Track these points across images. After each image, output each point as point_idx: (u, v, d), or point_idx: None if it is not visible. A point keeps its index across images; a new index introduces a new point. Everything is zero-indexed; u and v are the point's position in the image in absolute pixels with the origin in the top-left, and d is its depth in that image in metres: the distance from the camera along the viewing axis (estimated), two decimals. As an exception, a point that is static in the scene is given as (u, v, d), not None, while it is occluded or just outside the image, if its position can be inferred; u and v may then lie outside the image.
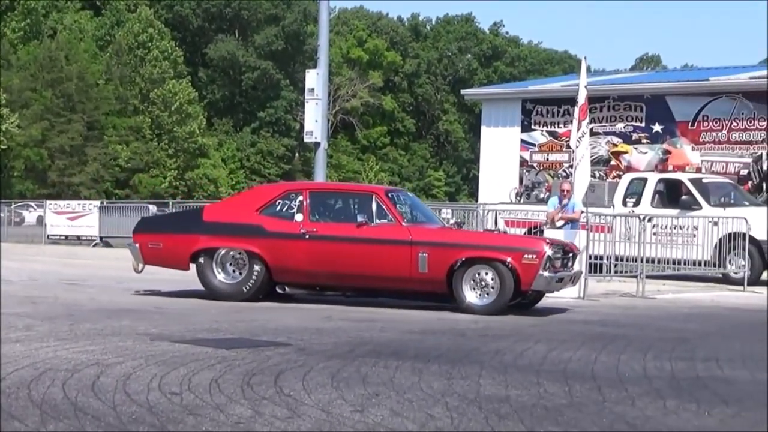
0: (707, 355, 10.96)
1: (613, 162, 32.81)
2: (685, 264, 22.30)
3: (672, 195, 24.72)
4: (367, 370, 9.14)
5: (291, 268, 15.69)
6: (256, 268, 15.78)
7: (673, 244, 22.72)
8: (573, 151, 22.38)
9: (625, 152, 32.70)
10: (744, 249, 22.03)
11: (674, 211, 23.85)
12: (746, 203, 24.85)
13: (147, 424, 6.74)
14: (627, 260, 21.05)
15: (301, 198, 15.81)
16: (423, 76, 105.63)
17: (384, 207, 15.39)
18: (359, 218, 15.30)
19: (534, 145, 34.50)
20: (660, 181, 25.26)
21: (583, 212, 19.45)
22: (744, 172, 30.52)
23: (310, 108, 33.10)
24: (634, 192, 25.33)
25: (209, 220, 16.22)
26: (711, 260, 22.49)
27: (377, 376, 8.85)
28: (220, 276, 16.04)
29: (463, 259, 14.88)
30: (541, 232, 20.38)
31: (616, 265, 21.07)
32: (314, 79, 32.49)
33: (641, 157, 32.35)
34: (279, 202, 15.96)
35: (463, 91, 44.31)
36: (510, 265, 14.68)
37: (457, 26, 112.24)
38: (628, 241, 21.59)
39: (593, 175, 29.15)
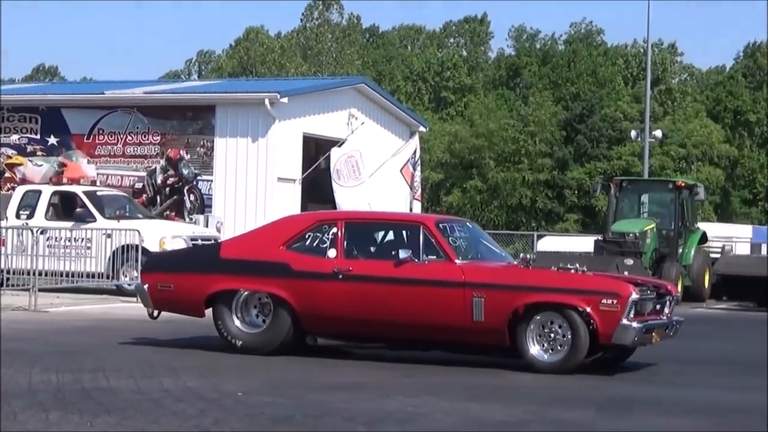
0: (95, 366, 11.12)
1: (8, 174, 32.27)
2: (80, 276, 22.39)
3: (67, 207, 24.67)
4: None
5: (322, 314, 13.01)
6: (283, 314, 13.10)
7: (68, 256, 22.76)
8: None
9: (20, 164, 32.27)
10: (137, 261, 22.39)
11: (69, 224, 23.83)
12: (140, 216, 25.29)
13: None
14: (21, 273, 20.87)
15: (335, 230, 13.15)
16: None
17: (433, 240, 12.78)
18: (402, 254, 12.68)
19: None
20: (54, 193, 25.17)
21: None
22: (139, 185, 31.05)
23: None
24: (28, 204, 25.04)
25: (227, 257, 13.60)
26: (105, 272, 22.68)
27: None
28: (238, 323, 13.26)
29: (527, 304, 12.29)
30: None
31: (8, 279, 20.88)
32: None
33: (36, 169, 32.06)
34: (309, 235, 13.31)
35: None
36: (584, 313, 12.11)
37: None
38: (22, 253, 21.41)
39: (-14, 187, 28.58)
